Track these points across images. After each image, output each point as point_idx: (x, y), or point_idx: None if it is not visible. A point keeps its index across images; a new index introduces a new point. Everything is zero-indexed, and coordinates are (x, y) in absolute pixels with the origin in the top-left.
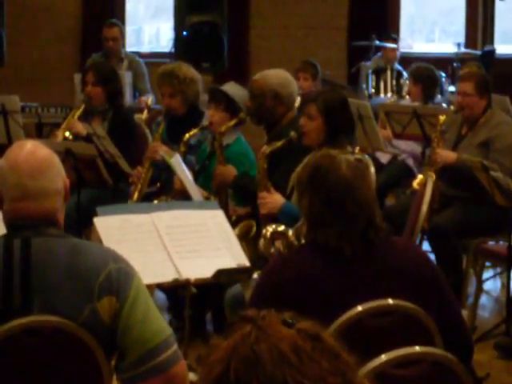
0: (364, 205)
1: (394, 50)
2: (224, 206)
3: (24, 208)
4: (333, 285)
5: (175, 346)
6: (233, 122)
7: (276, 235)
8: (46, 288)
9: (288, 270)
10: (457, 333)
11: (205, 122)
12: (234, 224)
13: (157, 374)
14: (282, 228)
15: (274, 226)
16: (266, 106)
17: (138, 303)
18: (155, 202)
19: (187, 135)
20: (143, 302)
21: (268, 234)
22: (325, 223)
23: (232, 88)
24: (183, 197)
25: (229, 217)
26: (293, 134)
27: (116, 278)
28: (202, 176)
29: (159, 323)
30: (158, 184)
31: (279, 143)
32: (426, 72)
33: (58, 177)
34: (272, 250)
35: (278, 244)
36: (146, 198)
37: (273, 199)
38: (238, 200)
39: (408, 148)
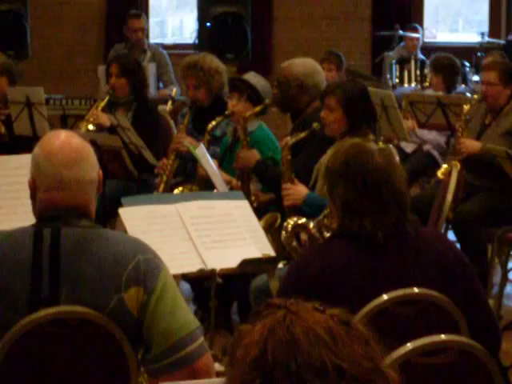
0: (398, 192)
1: (415, 39)
2: (246, 191)
3: (58, 198)
4: (362, 274)
5: (201, 339)
6: (258, 108)
7: (297, 228)
8: (75, 278)
9: (318, 261)
10: (484, 321)
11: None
12: (256, 210)
13: (182, 367)
14: (302, 220)
15: (295, 219)
16: (291, 94)
17: (165, 295)
18: (176, 190)
19: (210, 125)
20: (171, 294)
21: (289, 226)
22: (361, 211)
23: (253, 77)
24: (207, 185)
25: (250, 202)
26: (316, 124)
27: (144, 269)
28: (225, 165)
29: (186, 316)
30: (184, 175)
31: (302, 134)
32: (446, 62)
33: (93, 168)
34: (294, 244)
35: (304, 236)
36: (172, 189)
37: (296, 190)
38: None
39: (431, 138)
